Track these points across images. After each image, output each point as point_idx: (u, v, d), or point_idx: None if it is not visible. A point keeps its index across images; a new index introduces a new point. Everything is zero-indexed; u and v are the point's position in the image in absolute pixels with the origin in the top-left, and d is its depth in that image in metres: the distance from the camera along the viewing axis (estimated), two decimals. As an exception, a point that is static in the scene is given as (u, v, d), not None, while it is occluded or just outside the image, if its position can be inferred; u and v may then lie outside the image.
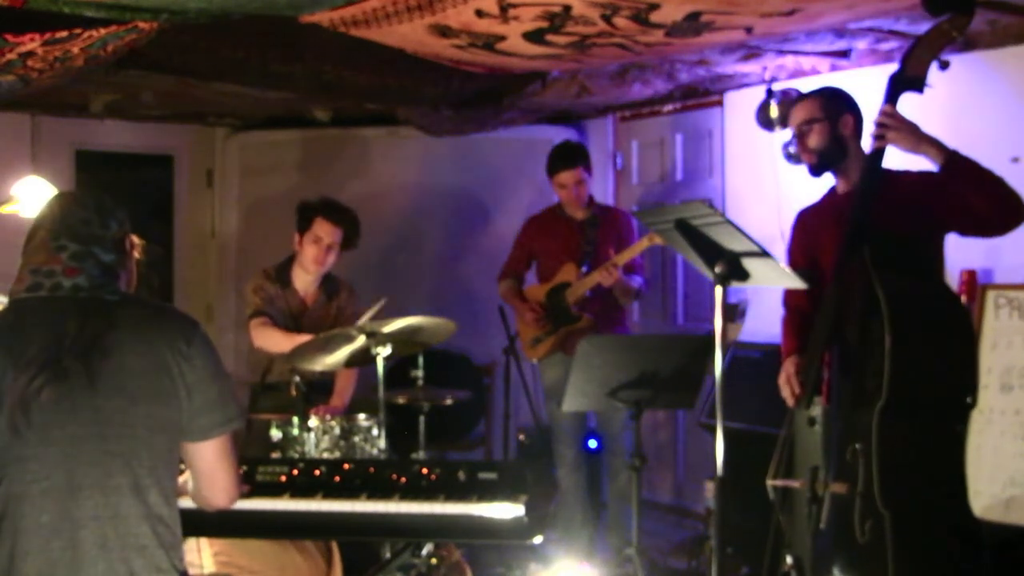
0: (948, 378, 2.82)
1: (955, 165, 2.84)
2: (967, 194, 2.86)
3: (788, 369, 3.18)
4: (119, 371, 2.03)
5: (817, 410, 3.03)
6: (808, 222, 3.34)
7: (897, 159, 3.07)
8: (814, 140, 3.14)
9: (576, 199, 4.60)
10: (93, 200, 2.19)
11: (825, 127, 3.12)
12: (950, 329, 2.84)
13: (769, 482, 2.98)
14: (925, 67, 2.91)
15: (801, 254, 3.32)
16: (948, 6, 2.88)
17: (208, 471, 2.20)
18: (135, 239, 2.29)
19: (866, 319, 2.80)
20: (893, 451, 2.73)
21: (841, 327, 2.92)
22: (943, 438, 2.83)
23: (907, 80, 2.92)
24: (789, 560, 3.00)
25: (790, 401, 3.16)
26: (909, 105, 2.98)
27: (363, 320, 3.61)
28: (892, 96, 2.94)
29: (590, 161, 4.69)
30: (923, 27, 3.08)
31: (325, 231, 4.16)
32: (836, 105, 3.14)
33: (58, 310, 2.05)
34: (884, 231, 2.94)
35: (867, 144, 3.06)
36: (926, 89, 2.94)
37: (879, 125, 2.88)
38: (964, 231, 3.03)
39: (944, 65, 2.92)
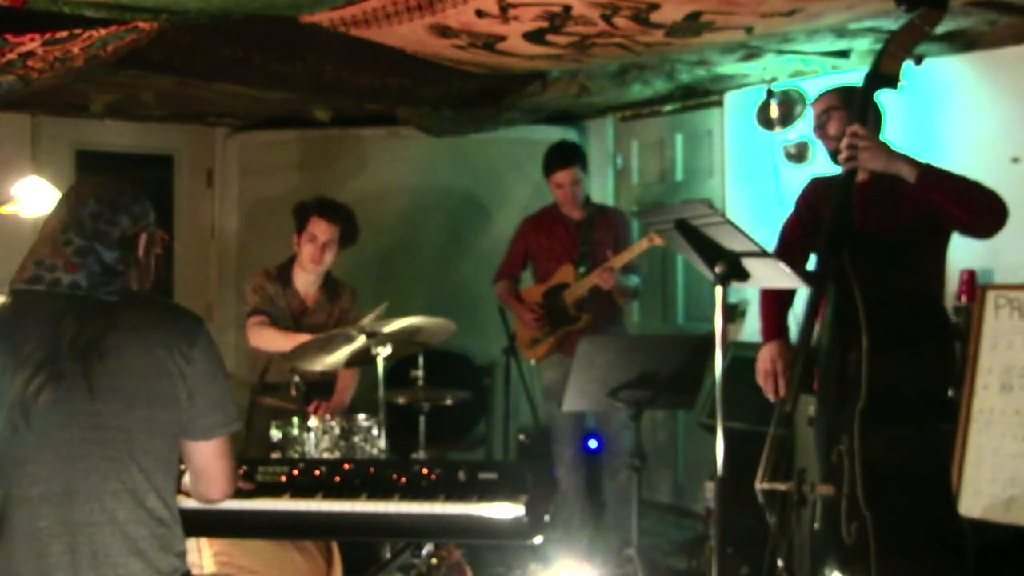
0: (926, 379, 2.81)
1: (928, 180, 2.85)
2: (945, 206, 2.87)
3: (771, 357, 3.20)
4: (117, 374, 2.02)
5: (813, 409, 3.04)
6: (821, 190, 3.34)
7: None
8: (834, 128, 3.18)
9: (572, 199, 4.60)
10: (110, 193, 2.17)
11: (844, 115, 3.13)
12: (926, 330, 2.83)
13: (757, 486, 2.98)
14: (898, 64, 2.91)
15: (809, 213, 3.32)
16: (922, 1, 2.88)
17: (204, 468, 2.21)
18: (160, 234, 2.27)
19: (847, 320, 2.80)
20: (875, 452, 2.73)
21: (829, 325, 2.92)
22: (927, 438, 2.83)
23: (881, 78, 2.92)
24: (780, 563, 3.00)
25: (771, 396, 3.17)
26: (909, 106, 2.98)
27: (364, 323, 3.61)
28: (866, 95, 2.95)
29: (586, 160, 4.69)
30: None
31: (320, 229, 4.17)
32: (853, 96, 3.14)
33: (55, 308, 2.04)
34: (873, 234, 2.95)
35: (889, 136, 3.06)
36: (900, 86, 2.94)
37: (849, 146, 2.89)
38: (957, 232, 3.04)
39: (918, 61, 2.92)
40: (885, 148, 2.91)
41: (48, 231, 2.13)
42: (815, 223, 3.24)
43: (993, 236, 2.93)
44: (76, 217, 2.12)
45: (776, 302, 3.36)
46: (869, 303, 2.73)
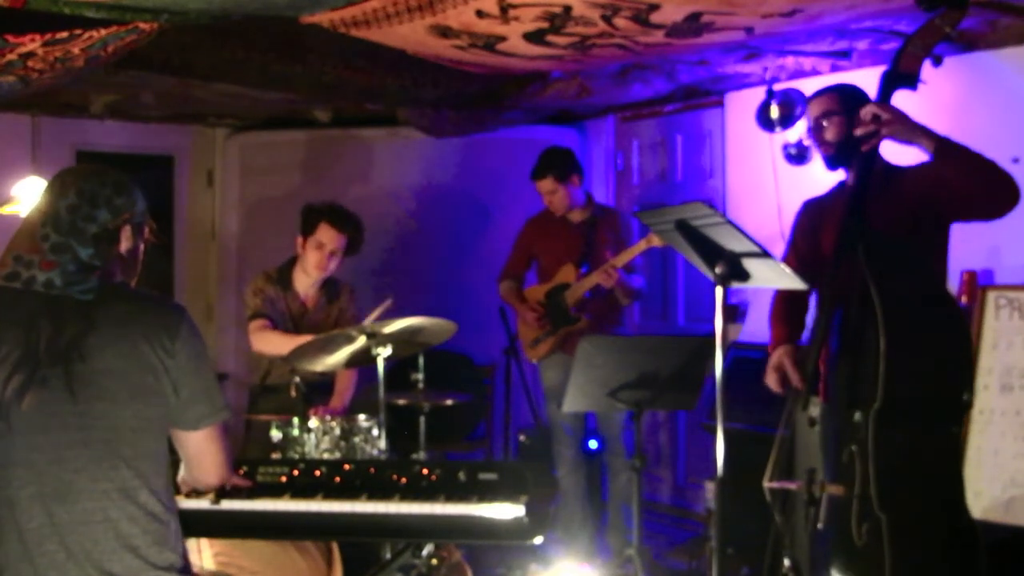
0: (943, 380, 2.79)
1: (946, 151, 2.83)
2: (960, 179, 2.85)
3: (780, 358, 3.17)
4: (101, 374, 2.01)
5: (817, 410, 3.03)
6: (814, 213, 3.33)
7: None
8: (831, 133, 3.15)
9: (553, 207, 4.64)
10: (91, 185, 2.11)
11: (843, 121, 3.10)
12: (945, 331, 2.82)
13: (766, 484, 2.97)
14: (918, 63, 2.91)
15: (805, 244, 3.31)
16: (942, 1, 2.88)
17: (196, 455, 2.21)
18: (149, 224, 2.25)
19: (861, 319, 2.79)
20: (889, 453, 2.71)
21: (838, 326, 2.91)
22: (939, 440, 2.82)
23: (900, 76, 2.91)
24: (787, 562, 2.99)
25: (776, 388, 3.15)
26: (908, 106, 2.98)
27: (369, 320, 3.62)
28: (885, 93, 2.93)
29: (567, 170, 4.61)
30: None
31: (329, 237, 4.15)
32: (853, 100, 3.13)
33: (31, 308, 2.01)
34: (884, 232, 2.93)
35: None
36: (920, 86, 2.93)
37: (872, 121, 2.87)
38: (964, 217, 3.01)
39: (937, 61, 2.92)
40: (906, 119, 2.88)
41: (28, 223, 2.10)
42: (815, 248, 3.22)
43: (1001, 216, 2.89)
44: (54, 210, 2.08)
45: (787, 318, 3.30)
46: (887, 303, 2.70)
